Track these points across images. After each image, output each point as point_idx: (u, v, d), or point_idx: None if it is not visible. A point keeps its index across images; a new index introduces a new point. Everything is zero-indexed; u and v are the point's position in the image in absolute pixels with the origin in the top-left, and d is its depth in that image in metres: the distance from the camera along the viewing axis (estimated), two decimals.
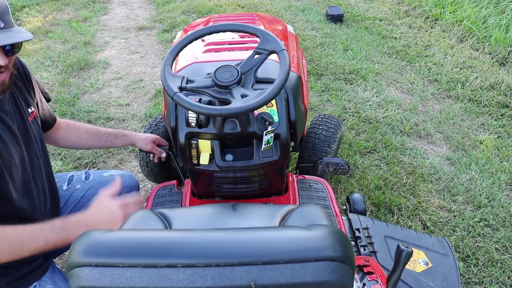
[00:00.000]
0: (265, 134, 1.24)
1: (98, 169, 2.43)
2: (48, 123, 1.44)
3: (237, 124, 1.26)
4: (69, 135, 1.52)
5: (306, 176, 1.72)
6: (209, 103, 1.22)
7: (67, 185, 1.52)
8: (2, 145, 1.10)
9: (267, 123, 1.24)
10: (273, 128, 1.26)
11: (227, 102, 1.12)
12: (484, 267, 1.86)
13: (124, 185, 1.59)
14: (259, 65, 1.19)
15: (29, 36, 1.05)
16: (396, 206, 2.17)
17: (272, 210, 1.17)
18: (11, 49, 1.05)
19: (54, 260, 1.39)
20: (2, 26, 1.00)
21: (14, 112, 1.17)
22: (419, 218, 2.11)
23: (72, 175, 1.56)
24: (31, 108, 1.26)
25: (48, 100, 1.45)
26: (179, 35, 1.96)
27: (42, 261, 1.25)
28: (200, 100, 1.22)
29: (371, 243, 1.48)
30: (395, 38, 4.18)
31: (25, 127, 1.20)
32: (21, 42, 1.06)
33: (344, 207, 1.80)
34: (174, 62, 1.31)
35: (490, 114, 3.00)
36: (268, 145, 1.28)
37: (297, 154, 2.01)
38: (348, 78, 3.41)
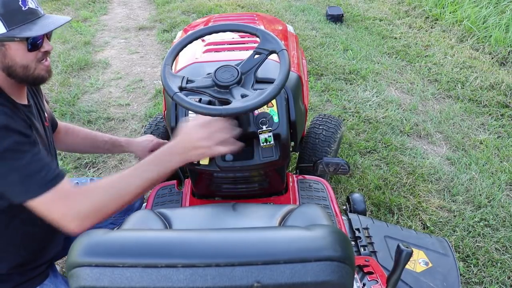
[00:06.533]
0: (260, 134, 1.24)
1: (98, 169, 2.43)
2: (51, 127, 1.43)
3: (237, 124, 1.26)
4: (66, 140, 1.51)
5: (306, 176, 1.72)
6: (209, 103, 1.22)
7: None
8: None
9: (260, 122, 1.25)
10: (268, 128, 1.26)
11: (227, 102, 1.12)
12: (484, 267, 1.86)
13: None
14: (259, 65, 1.19)
15: (68, 18, 1.11)
16: (396, 206, 2.17)
17: (272, 210, 1.17)
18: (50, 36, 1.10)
19: (56, 262, 1.38)
20: (42, 13, 1.05)
21: (37, 117, 1.18)
22: (419, 218, 2.11)
23: (77, 182, 1.54)
24: (46, 113, 1.26)
25: (46, 102, 1.45)
26: (179, 35, 1.96)
27: (45, 266, 1.25)
28: (200, 100, 1.22)
29: (371, 243, 1.48)
30: (395, 38, 4.18)
31: (45, 131, 1.21)
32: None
33: (344, 207, 1.80)
34: (174, 62, 1.30)
35: (490, 114, 3.00)
36: (267, 143, 1.28)
37: (297, 154, 2.01)
38: (348, 78, 3.41)
